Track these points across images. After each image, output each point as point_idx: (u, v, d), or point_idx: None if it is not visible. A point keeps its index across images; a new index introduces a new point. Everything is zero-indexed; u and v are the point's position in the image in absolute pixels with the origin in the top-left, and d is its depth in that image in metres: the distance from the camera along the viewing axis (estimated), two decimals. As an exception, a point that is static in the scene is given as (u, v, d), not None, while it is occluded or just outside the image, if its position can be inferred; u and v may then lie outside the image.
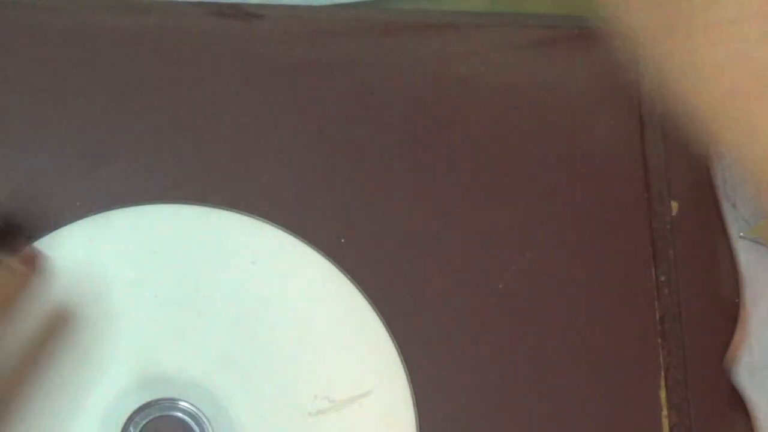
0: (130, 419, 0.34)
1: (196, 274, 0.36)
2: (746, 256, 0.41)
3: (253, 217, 0.36)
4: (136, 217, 0.36)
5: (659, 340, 0.37)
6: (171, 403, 0.35)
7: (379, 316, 0.36)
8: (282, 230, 0.36)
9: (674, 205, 0.38)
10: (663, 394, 0.36)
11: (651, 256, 0.37)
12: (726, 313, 0.38)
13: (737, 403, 0.37)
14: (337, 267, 0.36)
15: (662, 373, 0.36)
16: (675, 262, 0.38)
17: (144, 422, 0.34)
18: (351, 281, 0.36)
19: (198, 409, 0.34)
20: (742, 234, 0.41)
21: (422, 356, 0.36)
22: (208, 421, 0.34)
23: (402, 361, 0.35)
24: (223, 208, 0.36)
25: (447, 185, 0.37)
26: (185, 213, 0.36)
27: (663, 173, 0.39)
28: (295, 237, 0.36)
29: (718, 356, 0.37)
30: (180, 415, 0.34)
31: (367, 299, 0.36)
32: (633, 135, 0.39)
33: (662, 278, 0.37)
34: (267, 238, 0.36)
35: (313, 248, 0.36)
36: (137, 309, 0.35)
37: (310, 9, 0.39)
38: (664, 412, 0.36)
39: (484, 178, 0.38)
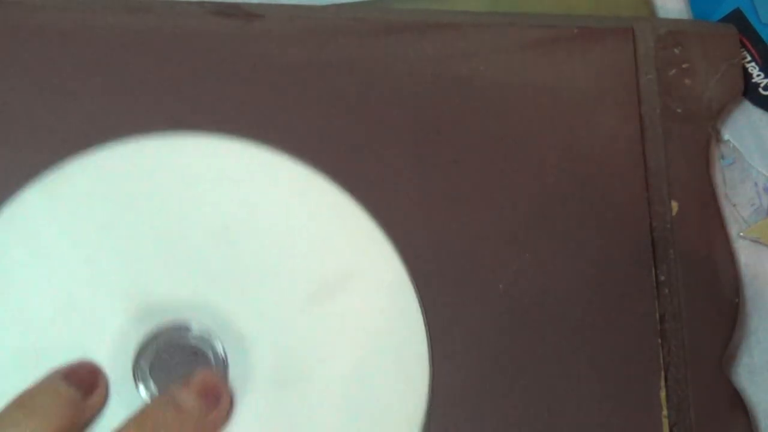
0: (139, 356, 0.34)
1: (172, 201, 0.36)
2: (746, 256, 0.41)
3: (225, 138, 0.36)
4: (106, 160, 0.36)
5: (659, 340, 0.37)
6: (174, 330, 0.34)
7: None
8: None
9: (674, 205, 0.38)
10: (663, 394, 0.36)
11: (651, 256, 0.37)
12: (726, 313, 0.38)
13: (737, 403, 0.37)
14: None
15: (662, 373, 0.36)
16: (675, 262, 0.38)
17: (152, 357, 0.34)
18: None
19: (203, 329, 0.34)
20: (741, 234, 0.41)
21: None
22: (215, 337, 0.34)
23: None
24: (188, 132, 0.36)
25: (447, 185, 0.37)
26: (152, 147, 0.36)
27: (663, 173, 0.39)
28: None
29: (718, 356, 0.37)
30: (185, 337, 0.34)
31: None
32: (633, 135, 0.39)
33: (662, 278, 0.37)
34: (243, 155, 0.36)
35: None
36: (118, 247, 0.35)
37: (310, 9, 0.39)
38: (664, 412, 0.36)
39: (484, 177, 0.38)
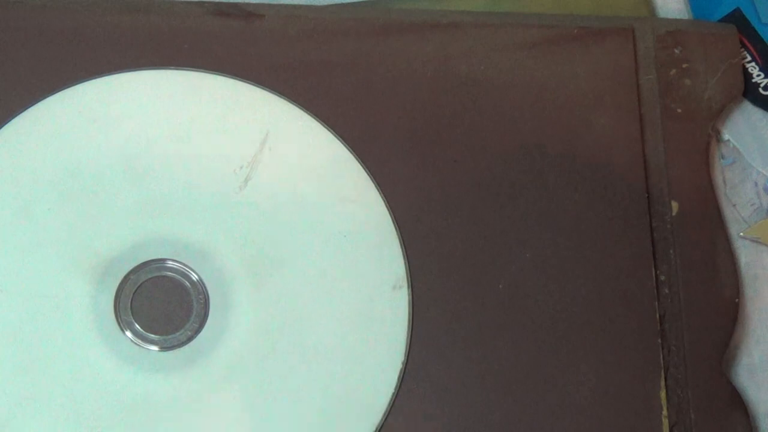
0: (118, 299, 0.34)
1: (79, 152, 0.36)
2: (746, 256, 0.41)
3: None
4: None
5: (659, 340, 0.37)
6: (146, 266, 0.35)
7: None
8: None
9: (674, 205, 0.38)
10: (663, 394, 0.36)
11: (651, 256, 0.37)
12: (726, 313, 0.38)
13: (737, 403, 0.37)
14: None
15: (662, 373, 0.36)
16: (675, 262, 0.38)
17: (130, 297, 0.35)
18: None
19: (182, 264, 0.35)
20: (741, 234, 0.41)
21: (422, 356, 0.36)
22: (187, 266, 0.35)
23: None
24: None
25: (447, 185, 0.37)
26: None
27: (663, 173, 0.39)
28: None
29: (718, 356, 0.37)
30: (160, 270, 0.35)
31: None
32: (633, 135, 0.39)
33: (662, 278, 0.37)
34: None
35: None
36: (51, 220, 0.35)
37: (310, 9, 0.39)
38: (664, 412, 0.36)
39: (484, 177, 0.38)
